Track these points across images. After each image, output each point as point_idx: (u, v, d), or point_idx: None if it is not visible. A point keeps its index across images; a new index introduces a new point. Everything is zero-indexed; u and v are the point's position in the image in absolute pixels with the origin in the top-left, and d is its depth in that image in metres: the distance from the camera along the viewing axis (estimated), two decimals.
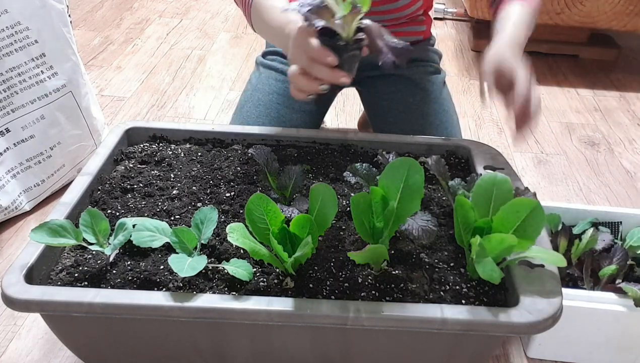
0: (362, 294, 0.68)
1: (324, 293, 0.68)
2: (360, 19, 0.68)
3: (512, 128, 0.79)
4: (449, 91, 1.19)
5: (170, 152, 0.94)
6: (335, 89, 0.96)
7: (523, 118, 0.77)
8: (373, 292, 0.68)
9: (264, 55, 1.19)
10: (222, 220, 0.78)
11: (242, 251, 0.73)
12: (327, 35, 0.70)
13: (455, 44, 2.30)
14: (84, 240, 0.71)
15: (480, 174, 0.85)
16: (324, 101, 1.20)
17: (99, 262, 0.72)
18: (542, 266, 0.70)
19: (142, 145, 0.96)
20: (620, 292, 0.90)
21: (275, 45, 1.02)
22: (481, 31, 2.27)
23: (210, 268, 0.70)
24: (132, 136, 0.98)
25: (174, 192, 0.84)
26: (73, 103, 1.30)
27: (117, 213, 0.80)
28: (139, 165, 0.91)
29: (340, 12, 0.66)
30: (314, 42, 0.70)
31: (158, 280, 0.69)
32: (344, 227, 0.79)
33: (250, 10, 0.89)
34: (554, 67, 2.14)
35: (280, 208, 0.71)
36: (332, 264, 0.72)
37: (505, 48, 0.84)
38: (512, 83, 0.79)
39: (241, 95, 1.15)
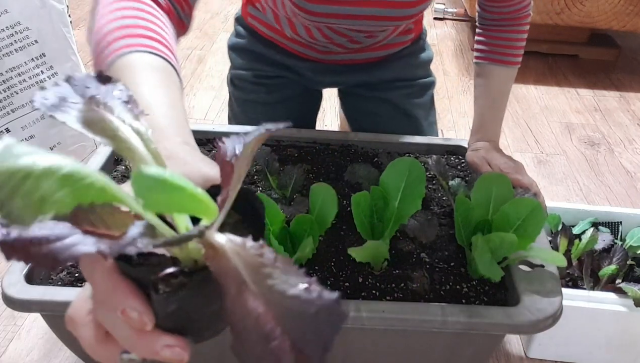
0: (363, 294, 0.68)
1: None
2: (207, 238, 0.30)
3: None
4: (435, 114, 1.11)
5: None
6: None
7: None
8: (373, 291, 0.68)
9: (232, 80, 1.07)
10: None
11: None
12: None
13: (455, 44, 2.30)
14: None
15: (481, 174, 0.85)
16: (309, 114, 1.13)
17: None
18: (542, 266, 0.70)
19: None
20: (620, 292, 0.90)
21: (262, 67, 1.00)
22: None
23: None
24: None
25: None
26: None
27: None
28: None
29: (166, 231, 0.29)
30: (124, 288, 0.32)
31: None
32: (344, 227, 0.79)
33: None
34: (554, 67, 2.14)
35: (280, 208, 0.71)
36: (332, 264, 0.72)
37: (499, 156, 0.86)
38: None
39: (228, 123, 1.10)
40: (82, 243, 0.26)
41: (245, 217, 0.34)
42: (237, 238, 0.27)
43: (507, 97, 0.96)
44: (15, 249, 0.25)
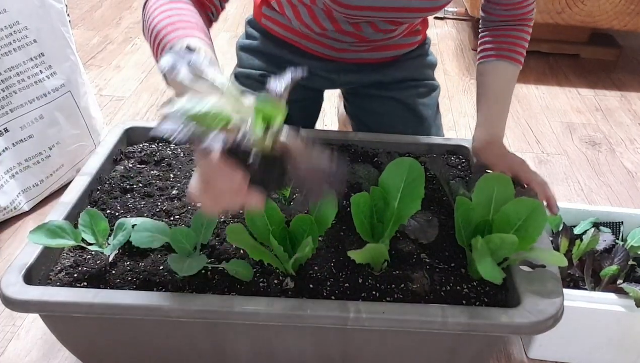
0: (363, 294, 0.68)
1: (324, 294, 0.67)
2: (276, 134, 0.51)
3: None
4: (441, 117, 1.12)
5: (170, 152, 0.94)
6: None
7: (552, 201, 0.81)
8: (373, 292, 0.68)
9: (238, 78, 1.06)
10: (222, 220, 0.77)
11: (242, 251, 0.73)
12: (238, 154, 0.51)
13: (455, 43, 2.30)
14: (83, 240, 0.71)
15: (481, 174, 0.85)
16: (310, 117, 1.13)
17: (98, 262, 0.72)
18: (543, 266, 0.70)
19: (141, 145, 0.96)
20: (621, 292, 0.90)
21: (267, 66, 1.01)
22: None
23: (210, 268, 0.70)
24: (131, 136, 0.97)
25: (174, 192, 0.84)
26: (72, 103, 1.30)
27: (117, 214, 0.79)
28: (138, 165, 0.91)
29: (250, 131, 0.50)
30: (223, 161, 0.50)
31: (157, 280, 0.69)
32: (344, 227, 0.78)
33: (149, 30, 0.70)
34: (555, 67, 2.14)
35: (280, 208, 0.70)
36: (332, 264, 0.72)
37: (505, 155, 0.87)
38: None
39: None
40: (217, 138, 0.48)
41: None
42: (292, 134, 0.52)
43: (511, 97, 0.96)
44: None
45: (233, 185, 0.51)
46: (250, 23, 1.08)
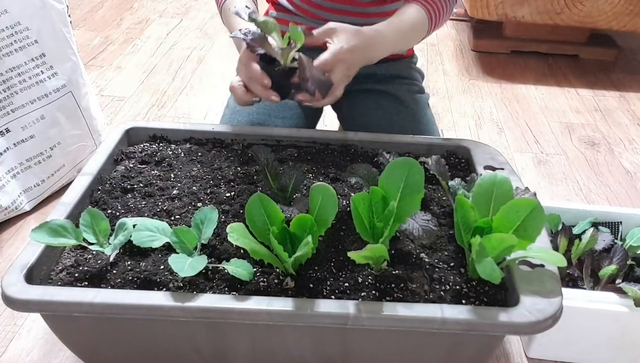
0: (362, 294, 0.68)
1: (324, 293, 0.68)
2: (297, 50, 0.82)
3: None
4: (432, 114, 1.14)
5: (171, 152, 0.94)
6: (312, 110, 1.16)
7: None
8: (373, 291, 0.68)
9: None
10: (222, 220, 0.78)
11: (242, 251, 0.73)
12: (267, 61, 0.84)
13: (455, 44, 2.30)
14: (84, 240, 0.71)
15: (480, 174, 0.85)
16: (310, 119, 1.17)
17: (99, 262, 0.72)
18: (542, 266, 0.70)
19: (142, 145, 0.96)
20: (620, 292, 0.90)
21: None
22: (481, 31, 2.27)
23: (211, 268, 0.70)
24: (132, 136, 0.98)
25: (174, 192, 0.84)
26: (73, 103, 1.30)
27: (118, 213, 0.80)
28: (139, 165, 0.91)
29: (279, 44, 0.83)
30: (255, 65, 0.84)
31: (158, 280, 0.69)
32: (344, 227, 0.79)
33: (220, 9, 1.03)
34: (554, 67, 2.14)
35: (280, 208, 0.71)
36: (332, 264, 0.72)
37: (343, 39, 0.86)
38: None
39: (220, 120, 1.09)
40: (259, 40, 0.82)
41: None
42: (303, 55, 0.81)
43: (412, 33, 0.96)
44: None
45: (261, 79, 0.83)
46: None
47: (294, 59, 0.82)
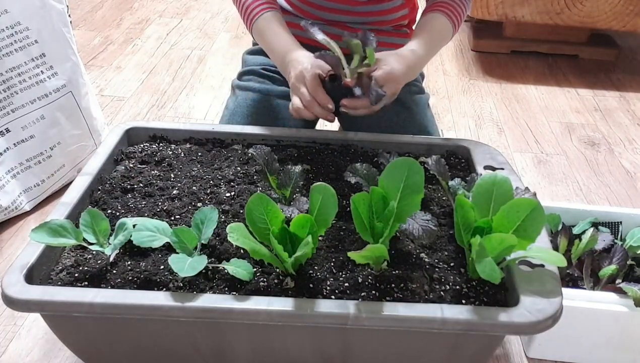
0: (362, 294, 0.68)
1: (324, 293, 0.68)
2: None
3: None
4: (433, 114, 1.15)
5: (171, 152, 0.94)
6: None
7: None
8: (373, 291, 0.68)
9: (240, 76, 1.14)
10: (222, 220, 0.78)
11: (242, 251, 0.73)
12: (332, 80, 0.89)
13: (455, 44, 2.30)
14: (84, 240, 0.71)
15: (480, 174, 0.85)
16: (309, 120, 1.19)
17: (99, 262, 0.72)
18: (542, 266, 0.70)
19: (142, 145, 0.96)
20: (620, 292, 0.90)
21: (272, 61, 1.08)
22: (481, 31, 2.27)
23: (211, 268, 0.70)
24: (132, 136, 0.98)
25: (174, 192, 0.85)
26: (73, 103, 1.30)
27: (118, 213, 0.80)
28: (139, 165, 0.91)
29: (353, 64, 0.88)
30: (322, 90, 0.88)
31: (158, 280, 0.69)
32: (344, 227, 0.79)
33: (252, 26, 1.04)
34: (554, 67, 2.14)
35: (280, 208, 0.71)
36: (332, 264, 0.72)
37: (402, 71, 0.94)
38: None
39: (219, 122, 1.09)
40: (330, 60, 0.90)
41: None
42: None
43: (441, 44, 1.04)
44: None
45: (326, 103, 0.88)
46: None
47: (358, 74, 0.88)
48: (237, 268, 0.68)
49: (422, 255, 0.74)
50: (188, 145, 0.97)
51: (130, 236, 0.71)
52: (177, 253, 0.69)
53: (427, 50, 1.00)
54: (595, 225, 1.05)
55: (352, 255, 0.64)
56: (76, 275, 0.70)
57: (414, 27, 1.06)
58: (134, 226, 0.72)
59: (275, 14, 1.02)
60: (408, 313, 0.63)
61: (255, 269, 0.70)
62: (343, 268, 0.72)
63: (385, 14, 1.07)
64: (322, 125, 1.70)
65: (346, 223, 0.79)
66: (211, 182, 0.87)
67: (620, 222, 1.06)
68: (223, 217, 0.79)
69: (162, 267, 0.71)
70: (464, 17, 1.06)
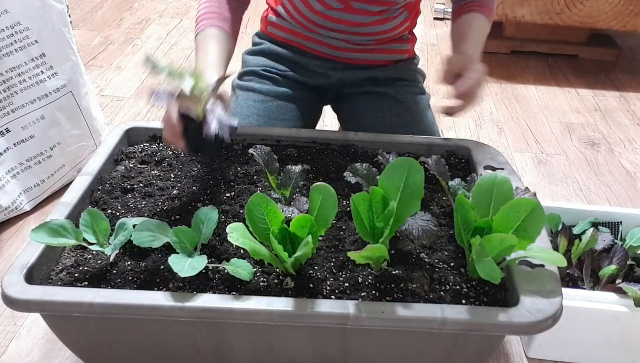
0: (362, 294, 0.68)
1: (324, 293, 0.68)
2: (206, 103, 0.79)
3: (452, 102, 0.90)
4: (434, 114, 1.14)
5: (170, 152, 0.94)
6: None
7: (465, 96, 0.88)
8: (373, 291, 0.68)
9: (240, 76, 1.14)
10: (222, 220, 0.78)
11: (242, 251, 0.73)
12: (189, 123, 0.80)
13: None
14: (84, 240, 0.71)
15: (480, 174, 0.85)
16: (309, 122, 1.18)
17: (99, 262, 0.72)
18: (542, 266, 0.70)
19: (142, 145, 0.96)
20: (620, 292, 0.90)
21: (273, 63, 1.09)
22: None
23: (211, 268, 0.70)
24: (132, 136, 0.98)
25: (174, 192, 0.85)
26: (73, 103, 1.30)
27: (118, 214, 0.80)
28: (139, 165, 0.91)
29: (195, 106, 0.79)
30: (175, 125, 0.78)
31: (158, 280, 0.69)
32: (344, 227, 0.79)
33: (194, 37, 1.00)
34: (554, 67, 2.14)
35: (280, 208, 0.71)
36: (332, 264, 0.72)
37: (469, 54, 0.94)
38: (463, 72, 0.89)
39: None
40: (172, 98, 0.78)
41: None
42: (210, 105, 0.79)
43: (483, 40, 1.03)
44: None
45: (174, 132, 0.79)
46: (257, 35, 1.18)
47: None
48: (237, 268, 0.68)
49: (422, 255, 0.74)
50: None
51: (130, 236, 0.71)
52: (177, 253, 0.69)
53: (478, 51, 0.99)
54: (595, 225, 1.05)
55: (352, 255, 0.64)
56: (76, 275, 0.70)
57: (451, 29, 1.08)
58: (134, 226, 0.72)
59: (215, 31, 0.96)
60: (408, 314, 0.63)
61: (255, 269, 0.70)
62: (343, 268, 0.72)
63: (391, 31, 1.07)
64: (322, 125, 1.70)
65: (346, 223, 0.79)
66: (211, 182, 0.87)
67: (620, 222, 1.06)
68: (223, 217, 0.79)
69: (162, 267, 0.71)
70: (494, 9, 1.08)
